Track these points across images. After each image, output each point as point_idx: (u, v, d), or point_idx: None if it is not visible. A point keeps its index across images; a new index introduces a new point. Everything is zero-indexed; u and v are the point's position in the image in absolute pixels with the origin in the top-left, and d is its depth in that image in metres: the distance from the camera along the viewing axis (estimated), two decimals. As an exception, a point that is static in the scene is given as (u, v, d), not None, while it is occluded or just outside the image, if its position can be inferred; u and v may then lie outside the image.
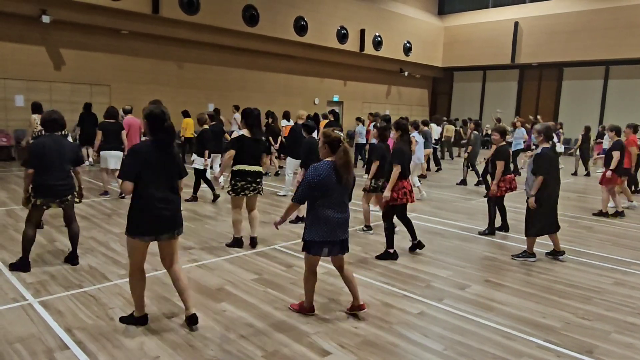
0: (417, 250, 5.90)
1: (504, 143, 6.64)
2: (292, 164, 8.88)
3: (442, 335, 3.68)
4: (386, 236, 5.54)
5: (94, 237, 5.99)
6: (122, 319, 3.68)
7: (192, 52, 16.26)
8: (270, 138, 11.47)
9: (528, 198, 5.45)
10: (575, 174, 14.10)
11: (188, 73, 16.34)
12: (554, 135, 13.65)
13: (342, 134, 3.73)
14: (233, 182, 5.61)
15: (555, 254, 5.71)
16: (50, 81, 13.46)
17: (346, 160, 3.64)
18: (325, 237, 3.68)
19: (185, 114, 13.51)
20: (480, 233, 6.80)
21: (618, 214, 8.23)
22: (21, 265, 4.72)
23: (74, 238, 5.02)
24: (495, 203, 6.73)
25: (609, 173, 7.87)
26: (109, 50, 14.44)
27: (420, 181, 9.80)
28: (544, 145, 5.47)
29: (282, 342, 3.48)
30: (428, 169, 13.51)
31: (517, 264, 5.48)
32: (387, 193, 5.45)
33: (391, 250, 5.52)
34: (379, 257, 5.51)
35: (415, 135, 9.33)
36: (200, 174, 8.54)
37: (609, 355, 3.44)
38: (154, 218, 3.43)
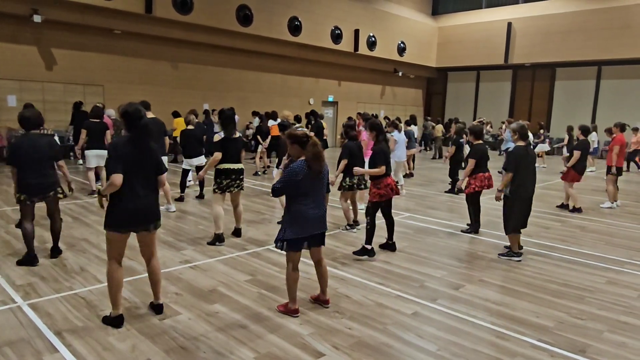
0: (410, 250, 5.89)
1: (479, 142, 6.76)
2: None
3: (436, 335, 3.67)
4: (367, 231, 5.52)
5: (86, 239, 5.93)
6: (103, 319, 3.69)
7: (187, 53, 16.19)
8: (259, 137, 11.55)
9: (506, 198, 5.58)
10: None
11: (183, 73, 16.27)
12: (536, 135, 13.83)
13: (306, 130, 3.88)
14: (219, 180, 5.80)
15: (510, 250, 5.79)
16: (42, 81, 13.34)
17: (315, 151, 3.71)
18: (304, 233, 3.80)
19: (176, 114, 13.49)
20: (463, 231, 6.89)
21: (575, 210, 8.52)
22: (27, 261, 4.88)
23: (54, 232, 5.16)
24: (478, 200, 6.78)
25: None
26: (102, 50, 14.34)
27: (403, 180, 9.98)
28: (518, 143, 5.59)
29: (275, 343, 3.45)
30: (413, 167, 13.56)
31: (512, 264, 5.48)
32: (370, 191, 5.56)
33: (368, 247, 5.49)
34: (356, 253, 5.53)
35: (395, 135, 9.45)
36: (185, 174, 8.68)
37: (601, 354, 3.44)
38: (130, 211, 3.55)
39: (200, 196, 8.77)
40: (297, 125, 9.63)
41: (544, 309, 4.22)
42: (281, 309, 3.98)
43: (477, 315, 4.04)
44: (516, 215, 5.55)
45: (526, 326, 3.85)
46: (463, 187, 6.85)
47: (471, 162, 6.59)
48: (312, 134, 3.99)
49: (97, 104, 8.93)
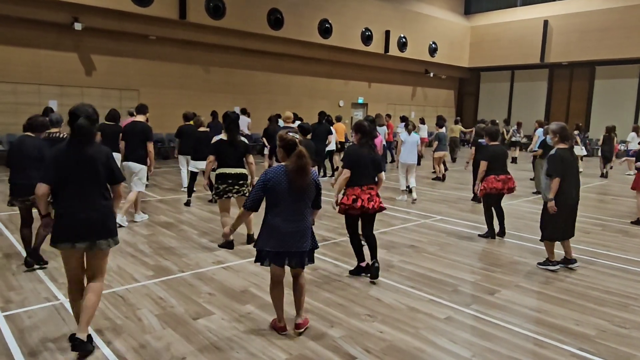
0: (443, 254, 5.80)
1: (495, 143, 6.57)
2: None
3: (470, 341, 3.59)
4: (353, 248, 4.98)
5: (122, 238, 6.10)
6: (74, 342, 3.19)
7: (218, 56, 16.49)
8: (264, 139, 11.48)
9: (546, 202, 5.20)
10: (603, 175, 13.64)
11: (214, 77, 16.57)
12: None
13: (297, 137, 3.50)
14: (216, 185, 5.79)
15: (567, 262, 5.37)
16: (82, 86, 13.85)
17: (298, 165, 3.33)
18: (277, 248, 3.41)
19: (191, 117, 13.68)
20: (480, 235, 6.68)
21: None
22: (25, 263, 4.92)
23: (24, 240, 5.03)
24: (490, 204, 6.54)
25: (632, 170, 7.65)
26: (138, 55, 14.78)
27: (414, 183, 9.45)
28: (559, 146, 5.21)
29: (307, 345, 3.46)
30: (445, 169, 13.33)
31: (549, 270, 5.30)
32: (335, 198, 4.93)
33: (363, 264, 4.94)
34: (352, 273, 4.98)
35: (402, 136, 9.30)
36: (194, 177, 8.52)
37: (648, 365, 3.29)
38: (67, 223, 3.16)
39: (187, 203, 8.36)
40: (291, 130, 9.58)
41: (584, 316, 4.07)
42: (271, 324, 3.74)
43: (513, 321, 3.93)
44: (554, 223, 5.18)
45: (566, 334, 3.72)
46: (477, 190, 6.66)
47: (483, 164, 6.39)
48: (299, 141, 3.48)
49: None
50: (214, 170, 6.02)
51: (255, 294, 4.39)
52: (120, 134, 7.32)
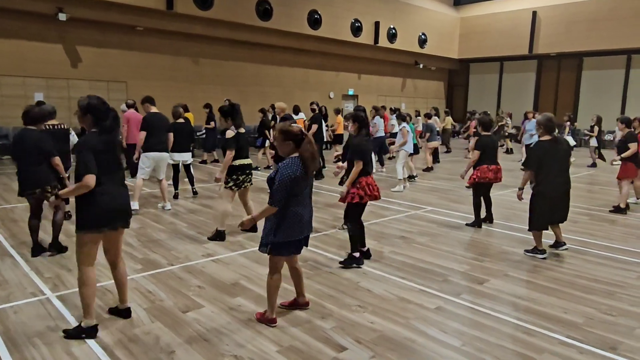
0: (433, 244, 5.82)
1: (487, 134, 6.68)
2: None
3: (460, 330, 3.61)
4: (350, 238, 5.03)
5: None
6: (72, 332, 3.38)
7: (208, 48, 16.31)
8: (267, 132, 11.44)
9: (534, 194, 5.32)
10: (592, 165, 13.79)
11: (204, 69, 16.40)
12: (561, 127, 13.20)
13: (300, 126, 3.58)
14: (235, 177, 5.72)
15: (556, 245, 5.56)
16: (68, 78, 13.63)
17: (312, 152, 3.44)
18: (297, 236, 3.52)
19: (184, 109, 13.52)
20: (467, 224, 6.78)
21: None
22: (32, 251, 5.10)
23: (53, 225, 5.16)
24: (480, 194, 6.65)
25: (616, 160, 7.86)
26: (125, 47, 14.57)
27: (406, 173, 9.90)
28: (542, 138, 5.29)
29: (298, 337, 3.45)
30: (437, 161, 13.46)
31: (537, 258, 5.35)
32: (343, 188, 4.96)
33: (356, 254, 4.98)
34: (343, 263, 4.98)
35: (406, 126, 9.58)
36: (187, 168, 8.46)
37: (634, 352, 3.33)
38: (108, 209, 3.39)
39: (175, 196, 8.29)
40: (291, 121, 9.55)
41: (572, 304, 4.11)
42: (258, 317, 3.69)
43: (502, 310, 3.96)
44: (538, 213, 5.26)
45: (554, 322, 3.76)
46: (465, 178, 6.82)
47: (475, 154, 6.52)
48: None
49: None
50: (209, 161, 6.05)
51: (245, 287, 4.37)
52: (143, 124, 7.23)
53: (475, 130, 9.73)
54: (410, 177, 10.48)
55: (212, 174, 10.27)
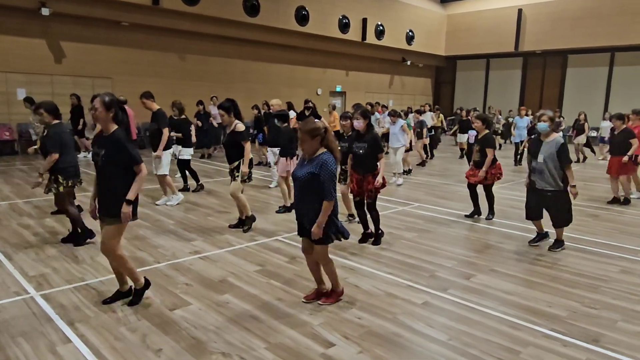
0: (420, 240, 5.86)
1: (487, 131, 6.66)
2: (272, 155, 9.06)
3: (447, 325, 3.64)
4: (377, 221, 5.62)
5: (95, 230, 5.96)
6: (134, 299, 3.83)
7: (194, 44, 16.17)
8: (265, 129, 11.42)
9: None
10: (579, 161, 13.99)
11: (191, 65, 16.26)
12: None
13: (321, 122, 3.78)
14: (250, 171, 5.90)
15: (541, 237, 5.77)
16: (51, 74, 13.42)
17: (336, 142, 3.71)
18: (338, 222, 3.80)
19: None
20: (486, 218, 6.94)
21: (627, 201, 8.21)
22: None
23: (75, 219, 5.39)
24: (490, 189, 6.83)
25: (625, 159, 7.83)
26: (110, 42, 14.38)
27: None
28: (557, 134, 5.50)
29: (286, 333, 3.45)
30: (429, 157, 13.59)
31: (522, 253, 5.42)
32: (379, 179, 5.35)
33: (380, 231, 5.68)
34: (376, 243, 5.60)
35: (405, 123, 9.81)
36: (185, 164, 8.53)
37: (615, 344, 3.39)
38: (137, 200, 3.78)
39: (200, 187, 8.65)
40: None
41: (556, 298, 4.17)
42: (330, 301, 3.91)
43: (488, 305, 4.00)
44: (526, 204, 5.65)
45: (539, 316, 3.81)
46: (481, 176, 6.59)
47: (492, 152, 6.53)
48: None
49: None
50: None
51: (233, 284, 4.35)
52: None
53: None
54: (407, 172, 10.92)
55: (205, 171, 10.20)
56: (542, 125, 5.35)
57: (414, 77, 25.25)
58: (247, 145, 5.76)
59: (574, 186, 5.28)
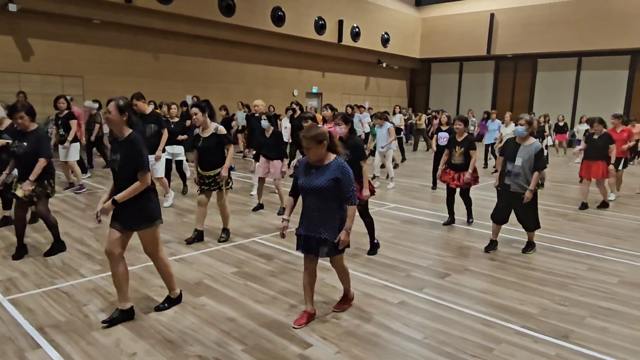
0: (397, 241, 5.92)
1: (467, 133, 6.54)
2: None
3: (422, 324, 3.69)
4: (371, 229, 5.44)
5: (68, 233, 5.81)
6: (167, 306, 3.84)
7: (168, 43, 15.92)
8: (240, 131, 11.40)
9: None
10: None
11: (164, 64, 16.00)
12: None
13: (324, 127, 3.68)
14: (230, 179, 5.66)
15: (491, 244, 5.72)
16: (19, 72, 12.98)
17: (342, 146, 3.63)
18: None
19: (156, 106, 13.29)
20: (468, 222, 6.88)
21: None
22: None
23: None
24: (467, 193, 6.73)
25: (612, 168, 7.93)
26: (81, 40, 14.02)
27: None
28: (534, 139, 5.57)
29: (263, 335, 3.43)
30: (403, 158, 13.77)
31: (495, 253, 5.54)
32: (366, 192, 5.06)
33: (376, 241, 5.51)
34: (371, 253, 5.40)
35: (391, 125, 9.77)
36: (180, 165, 8.51)
37: (584, 339, 3.50)
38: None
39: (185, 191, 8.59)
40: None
41: (528, 296, 4.28)
42: (342, 308, 3.88)
43: (463, 303, 4.08)
44: (496, 204, 5.73)
45: (511, 313, 3.91)
46: (468, 179, 6.45)
47: (476, 154, 6.41)
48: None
49: (66, 97, 8.60)
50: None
51: (209, 286, 4.31)
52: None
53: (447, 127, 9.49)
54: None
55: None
56: (519, 129, 5.37)
57: (390, 79, 25.50)
58: (232, 149, 5.51)
59: (532, 190, 5.28)
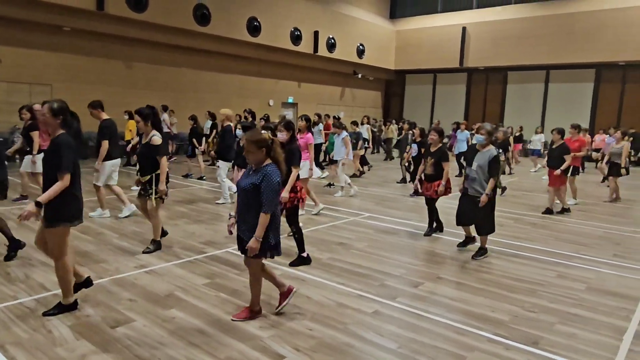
0: (370, 250, 5.94)
1: (441, 144, 6.61)
2: (225, 167, 8.43)
3: (396, 333, 3.69)
4: (298, 240, 5.26)
5: (30, 245, 5.59)
6: (54, 312, 3.76)
7: (142, 52, 15.73)
8: (194, 140, 11.30)
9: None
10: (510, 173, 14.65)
11: (138, 73, 15.79)
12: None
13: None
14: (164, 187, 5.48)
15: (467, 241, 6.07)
16: (-16, 80, 12.61)
17: (282, 155, 3.70)
18: (279, 235, 3.73)
19: (131, 116, 13.04)
20: (425, 234, 6.77)
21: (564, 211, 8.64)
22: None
23: None
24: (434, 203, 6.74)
25: (558, 172, 8.29)
26: (51, 48, 13.71)
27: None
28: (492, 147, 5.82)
29: (235, 347, 3.37)
30: (364, 169, 13.93)
31: (467, 260, 5.61)
32: (285, 194, 5.07)
33: (304, 254, 5.28)
34: (293, 264, 5.19)
35: (347, 135, 9.96)
36: None
37: (553, 345, 3.56)
38: (81, 203, 3.77)
39: None
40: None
41: (499, 303, 4.34)
42: (243, 316, 3.80)
43: (435, 312, 4.10)
44: (457, 209, 5.99)
45: (483, 321, 3.95)
46: (442, 191, 6.46)
47: (449, 165, 6.44)
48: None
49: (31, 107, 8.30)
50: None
51: (180, 298, 4.21)
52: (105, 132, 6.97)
53: (421, 138, 9.59)
54: (331, 184, 11.02)
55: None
56: (479, 137, 5.69)
57: (365, 89, 25.79)
58: (163, 161, 5.39)
59: (487, 195, 5.49)
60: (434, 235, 6.77)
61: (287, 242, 5.55)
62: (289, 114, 21.27)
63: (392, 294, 4.50)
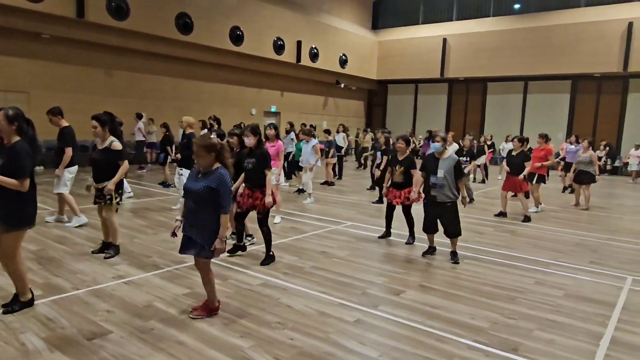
0: (352, 258, 5.94)
1: (408, 152, 6.70)
2: (187, 176, 8.39)
3: (377, 341, 3.69)
4: (267, 240, 5.52)
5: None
6: (10, 309, 3.87)
7: (123, 60, 15.57)
8: (168, 148, 11.26)
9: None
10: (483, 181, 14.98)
11: (118, 81, 15.61)
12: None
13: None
14: (120, 191, 5.56)
15: (431, 250, 6.21)
16: (-42, 87, 12.32)
17: (230, 159, 3.87)
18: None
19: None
20: (406, 243, 6.80)
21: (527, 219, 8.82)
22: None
23: None
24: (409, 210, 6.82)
25: (520, 177, 8.66)
26: (28, 55, 13.47)
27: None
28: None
29: (215, 358, 3.32)
30: (337, 176, 14.00)
31: (446, 268, 5.66)
32: (268, 199, 5.31)
33: (271, 253, 5.58)
34: (264, 263, 5.45)
35: (313, 142, 9.93)
36: None
37: (532, 352, 3.60)
38: (35, 207, 3.91)
39: None
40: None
41: (479, 310, 4.38)
42: (201, 313, 3.96)
43: (416, 319, 4.11)
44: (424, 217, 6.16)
45: (463, 328, 3.97)
46: (414, 198, 6.46)
47: (417, 172, 6.42)
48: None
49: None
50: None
51: (159, 308, 4.14)
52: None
53: (385, 147, 9.91)
54: (300, 190, 11.05)
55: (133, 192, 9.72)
56: (436, 145, 5.88)
57: (348, 99, 25.96)
58: (125, 164, 5.41)
59: (465, 197, 5.90)
60: (416, 243, 6.81)
61: (256, 248, 5.54)
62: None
63: (373, 302, 4.50)
